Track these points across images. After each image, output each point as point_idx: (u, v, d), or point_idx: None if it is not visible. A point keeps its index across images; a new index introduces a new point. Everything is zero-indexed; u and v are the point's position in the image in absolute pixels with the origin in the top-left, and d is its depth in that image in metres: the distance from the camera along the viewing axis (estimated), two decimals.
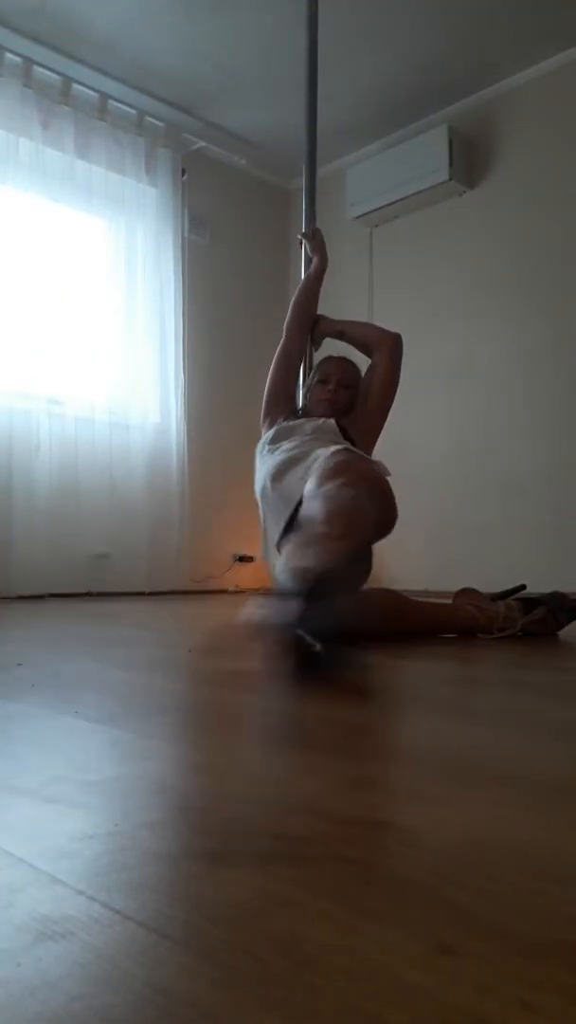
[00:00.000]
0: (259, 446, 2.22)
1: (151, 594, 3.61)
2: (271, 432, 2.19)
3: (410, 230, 3.97)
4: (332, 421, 2.14)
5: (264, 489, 2.07)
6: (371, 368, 2.32)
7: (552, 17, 3.20)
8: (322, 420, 2.16)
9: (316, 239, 2.50)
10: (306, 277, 2.47)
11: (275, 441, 2.14)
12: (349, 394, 2.26)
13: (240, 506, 4.21)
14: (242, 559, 4.20)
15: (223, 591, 4.04)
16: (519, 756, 0.69)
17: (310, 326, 2.41)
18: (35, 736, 0.76)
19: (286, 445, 2.09)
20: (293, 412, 2.31)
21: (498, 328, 3.62)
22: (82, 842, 0.47)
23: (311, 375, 2.36)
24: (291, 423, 2.19)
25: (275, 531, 2.00)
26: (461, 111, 3.77)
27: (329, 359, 2.35)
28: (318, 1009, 0.29)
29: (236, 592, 4.02)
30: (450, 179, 3.59)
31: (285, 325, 2.38)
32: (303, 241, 2.55)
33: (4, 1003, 0.30)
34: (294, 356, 2.36)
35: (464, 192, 3.74)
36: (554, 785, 0.60)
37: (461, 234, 3.78)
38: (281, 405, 2.31)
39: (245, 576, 4.18)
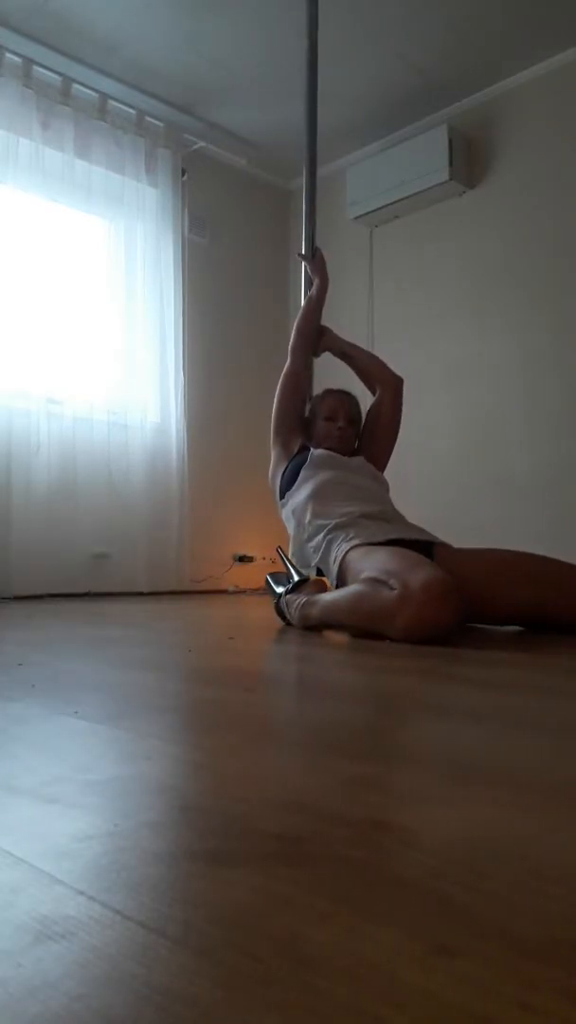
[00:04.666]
0: (286, 463, 2.27)
1: (150, 594, 3.61)
2: (309, 455, 2.22)
3: (410, 230, 3.97)
4: (362, 459, 2.27)
5: (304, 504, 2.13)
6: (377, 406, 2.38)
7: (552, 17, 3.20)
8: (358, 460, 2.26)
9: (317, 260, 2.50)
10: (308, 300, 2.47)
11: (314, 467, 2.18)
12: (355, 430, 2.35)
13: (240, 506, 4.20)
14: (242, 559, 4.20)
15: (223, 591, 4.04)
16: (519, 756, 0.69)
17: (313, 347, 2.43)
18: (35, 736, 0.76)
19: (331, 475, 2.15)
20: (304, 434, 2.34)
21: (498, 328, 3.62)
22: (82, 842, 0.47)
23: (311, 404, 2.39)
24: (324, 452, 2.23)
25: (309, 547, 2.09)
26: (461, 111, 3.77)
27: (331, 393, 2.38)
28: (318, 1009, 0.29)
29: (236, 592, 4.02)
30: (450, 179, 3.59)
31: (290, 348, 2.40)
32: (303, 260, 2.54)
33: (4, 1003, 0.30)
34: (301, 377, 2.40)
35: (464, 192, 3.74)
36: (554, 785, 0.60)
37: (461, 234, 3.78)
38: (290, 425, 2.35)
39: (245, 576, 4.18)
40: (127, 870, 0.43)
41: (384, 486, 2.28)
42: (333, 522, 2.03)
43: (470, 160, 3.71)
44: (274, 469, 2.32)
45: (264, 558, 4.21)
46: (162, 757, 0.67)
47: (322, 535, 2.04)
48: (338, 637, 1.72)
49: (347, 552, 1.90)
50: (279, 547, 2.34)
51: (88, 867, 0.43)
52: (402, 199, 3.78)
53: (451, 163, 3.58)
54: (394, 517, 2.12)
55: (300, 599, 1.91)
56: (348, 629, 1.75)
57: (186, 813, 0.53)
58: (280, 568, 2.26)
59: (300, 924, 0.36)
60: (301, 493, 2.16)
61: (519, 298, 3.55)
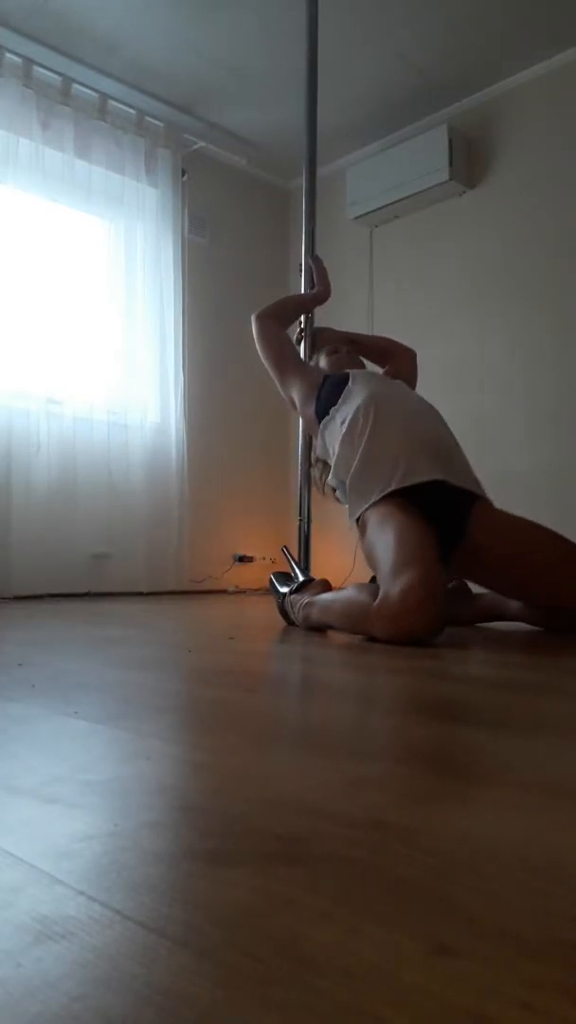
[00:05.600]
0: (318, 389, 2.13)
1: (150, 594, 3.61)
2: (349, 376, 2.10)
3: (410, 230, 3.97)
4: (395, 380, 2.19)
5: (359, 413, 1.95)
6: (394, 368, 2.37)
7: (552, 17, 3.20)
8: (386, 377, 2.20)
9: (320, 267, 2.50)
10: (306, 294, 2.46)
11: (359, 382, 2.05)
12: (357, 348, 2.37)
13: (240, 506, 4.21)
14: (242, 559, 4.20)
15: (223, 591, 4.04)
16: (520, 756, 0.69)
17: (311, 350, 2.44)
18: (35, 736, 0.76)
19: (376, 387, 2.01)
20: (316, 367, 2.32)
21: (498, 328, 3.62)
22: (82, 842, 0.47)
23: (314, 356, 2.40)
24: (363, 371, 2.16)
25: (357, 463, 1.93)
26: (461, 111, 3.77)
27: (321, 333, 2.41)
28: (318, 1009, 0.29)
29: (236, 592, 4.02)
30: (450, 179, 3.60)
31: (265, 313, 2.29)
32: (303, 267, 2.54)
33: (4, 1003, 0.30)
34: (282, 332, 2.31)
35: (464, 192, 3.74)
36: (554, 785, 0.60)
37: (461, 234, 3.78)
38: (300, 360, 2.29)
39: (245, 576, 4.18)
40: (127, 870, 0.43)
41: (417, 396, 2.14)
42: (380, 448, 1.88)
43: (470, 160, 3.71)
44: (304, 404, 2.16)
45: (264, 558, 4.21)
46: (162, 757, 0.67)
47: (362, 472, 1.90)
48: (339, 637, 1.72)
49: (367, 509, 1.84)
50: (284, 547, 2.32)
51: (88, 867, 0.43)
52: (402, 199, 3.78)
53: (451, 163, 3.58)
54: (443, 447, 1.96)
55: (303, 599, 1.90)
56: (343, 630, 1.75)
57: (186, 813, 0.53)
58: (283, 568, 2.26)
59: (300, 924, 0.36)
60: (353, 400, 1.99)
61: (519, 298, 3.55)
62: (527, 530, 1.85)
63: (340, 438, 1.98)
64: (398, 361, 2.36)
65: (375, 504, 1.83)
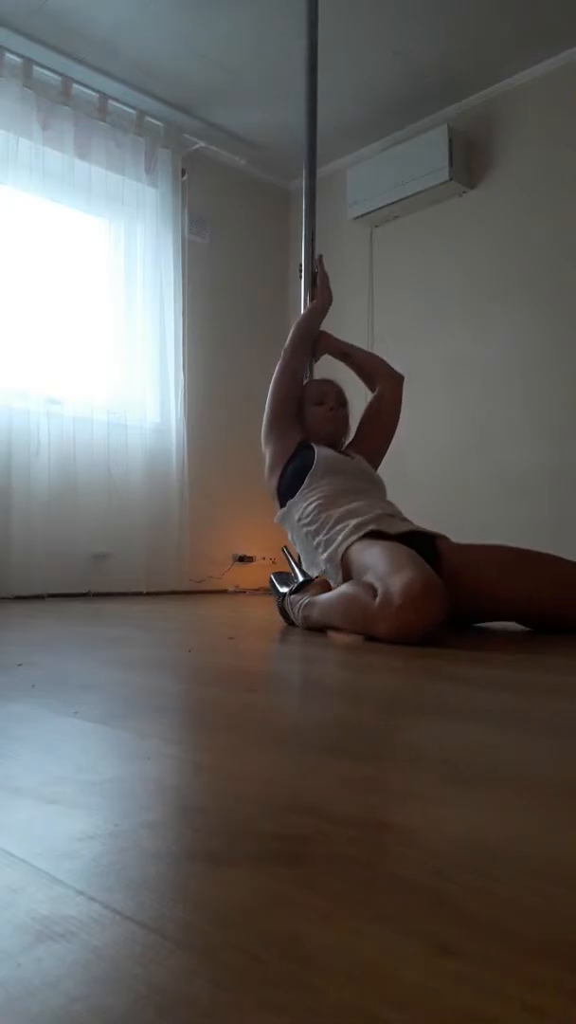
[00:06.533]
0: (284, 463, 2.23)
1: (150, 594, 3.61)
2: (314, 459, 2.18)
3: (410, 230, 3.97)
4: (364, 461, 2.27)
5: (315, 511, 2.08)
6: (377, 398, 2.41)
7: (552, 17, 3.20)
8: (357, 458, 2.26)
9: (323, 272, 2.50)
10: (311, 308, 2.47)
11: (321, 473, 2.15)
12: (345, 412, 2.36)
13: (240, 506, 4.20)
14: (242, 559, 4.20)
15: (223, 591, 4.04)
16: (519, 756, 0.69)
17: (311, 350, 2.45)
18: (35, 736, 0.76)
19: (339, 484, 2.12)
20: (300, 430, 2.32)
21: (498, 328, 3.62)
22: (82, 842, 0.47)
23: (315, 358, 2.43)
24: (327, 454, 2.21)
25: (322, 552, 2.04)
26: (461, 111, 3.77)
27: (314, 382, 2.43)
28: (318, 1009, 0.29)
29: (235, 592, 4.02)
30: (450, 179, 3.59)
31: (288, 347, 2.38)
32: (303, 269, 2.53)
33: (4, 1003, 0.30)
34: (297, 373, 2.38)
35: (464, 192, 3.74)
36: (554, 785, 0.60)
37: (461, 234, 3.78)
38: (287, 422, 2.31)
39: (245, 576, 4.18)
40: (127, 870, 0.43)
41: (383, 490, 2.28)
42: (341, 511, 2.01)
43: (470, 160, 3.71)
44: (271, 470, 2.27)
45: (264, 558, 4.21)
46: (162, 757, 0.67)
47: (329, 527, 2.01)
48: (339, 637, 1.72)
49: (349, 547, 1.90)
50: (285, 547, 2.33)
51: (88, 867, 0.43)
52: (402, 199, 3.78)
53: (451, 163, 3.58)
54: (397, 515, 2.10)
55: (303, 599, 1.91)
56: (344, 630, 1.75)
57: (186, 813, 0.53)
58: (283, 568, 2.26)
59: (300, 924, 0.36)
60: (311, 502, 2.10)
61: (519, 298, 3.55)
62: (484, 544, 1.98)
63: (301, 537, 2.12)
64: (382, 387, 2.40)
65: (350, 546, 1.91)
